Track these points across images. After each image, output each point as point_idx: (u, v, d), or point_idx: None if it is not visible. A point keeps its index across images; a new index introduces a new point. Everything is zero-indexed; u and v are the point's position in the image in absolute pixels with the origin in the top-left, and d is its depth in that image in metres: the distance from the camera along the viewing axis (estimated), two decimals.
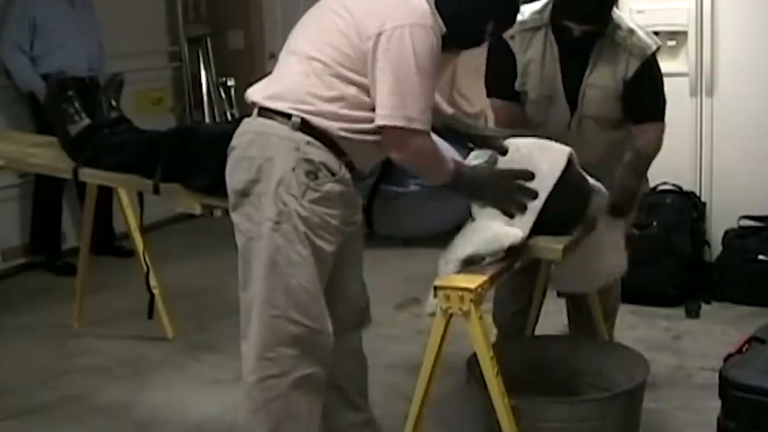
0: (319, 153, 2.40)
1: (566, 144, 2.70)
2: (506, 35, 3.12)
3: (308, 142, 2.39)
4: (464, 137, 2.79)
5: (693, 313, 4.30)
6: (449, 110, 2.85)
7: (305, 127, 2.40)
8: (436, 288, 2.48)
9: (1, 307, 4.71)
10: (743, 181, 4.47)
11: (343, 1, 2.45)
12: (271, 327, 2.44)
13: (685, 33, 4.46)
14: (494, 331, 3.45)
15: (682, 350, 3.94)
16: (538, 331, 3.53)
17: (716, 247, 4.55)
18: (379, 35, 2.35)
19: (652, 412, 3.18)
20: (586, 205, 2.76)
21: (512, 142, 2.78)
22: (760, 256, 4.37)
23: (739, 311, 4.30)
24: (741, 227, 4.49)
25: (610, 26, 3.02)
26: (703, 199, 4.57)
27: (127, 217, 4.10)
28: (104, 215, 4.99)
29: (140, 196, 3.55)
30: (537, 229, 2.62)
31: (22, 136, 4.18)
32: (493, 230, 2.55)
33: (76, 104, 3.52)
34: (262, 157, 2.42)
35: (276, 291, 2.43)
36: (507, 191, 2.56)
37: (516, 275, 3.08)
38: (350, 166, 2.48)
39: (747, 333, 2.94)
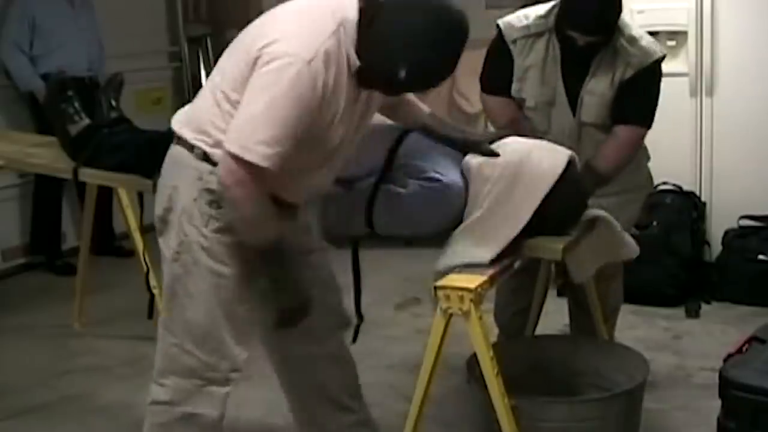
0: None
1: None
2: (508, 39, 3.11)
3: (211, 172, 2.31)
4: (444, 141, 2.72)
5: (693, 313, 4.30)
6: (426, 109, 2.74)
7: (208, 157, 2.32)
8: (436, 288, 2.48)
9: (1, 307, 4.71)
10: (743, 181, 4.47)
11: (254, 25, 2.36)
12: (168, 354, 2.44)
13: (685, 33, 4.46)
14: (495, 331, 3.45)
15: (682, 350, 3.94)
16: (538, 331, 3.53)
17: (716, 247, 4.55)
18: (257, 58, 2.20)
19: (652, 412, 3.18)
20: (585, 206, 2.76)
21: (511, 142, 2.78)
22: (760, 256, 4.37)
23: (739, 311, 4.30)
24: (741, 227, 4.49)
25: (615, 34, 3.01)
26: (703, 199, 4.57)
27: (127, 217, 4.09)
28: (104, 215, 4.99)
29: (140, 196, 3.55)
30: (537, 229, 2.63)
31: (22, 136, 4.19)
32: (459, 250, 2.57)
33: (76, 104, 3.52)
34: (170, 186, 2.40)
35: (175, 320, 2.42)
36: (297, 305, 2.43)
37: (516, 275, 3.08)
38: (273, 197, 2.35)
39: (747, 333, 2.94)
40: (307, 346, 2.68)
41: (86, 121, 3.49)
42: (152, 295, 3.98)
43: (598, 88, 3.03)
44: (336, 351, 2.77)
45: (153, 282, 3.99)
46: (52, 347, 4.20)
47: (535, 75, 3.08)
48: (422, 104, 2.76)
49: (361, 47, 2.25)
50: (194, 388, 2.42)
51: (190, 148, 2.36)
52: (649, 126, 3.10)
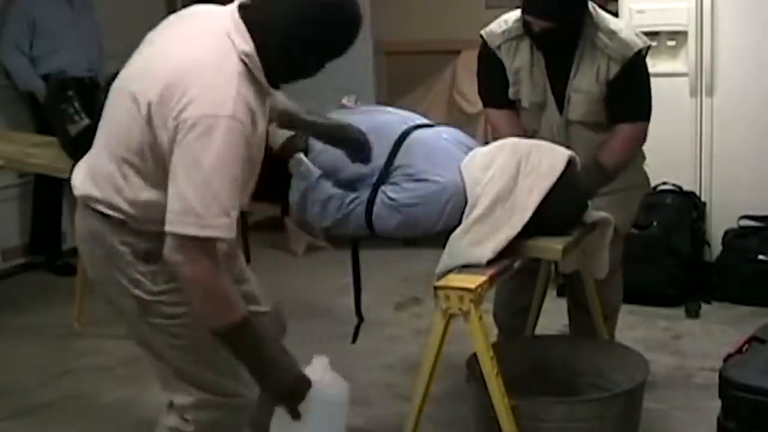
0: (150, 241, 2.15)
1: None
2: (492, 45, 3.11)
3: (131, 232, 2.17)
4: (310, 134, 2.65)
5: (693, 313, 4.30)
6: (288, 106, 2.56)
7: (124, 222, 2.17)
8: (436, 288, 2.49)
9: (1, 307, 4.71)
10: (743, 181, 4.47)
11: (134, 81, 2.12)
12: (184, 389, 2.29)
13: (685, 33, 4.45)
14: (494, 331, 3.45)
15: (682, 350, 3.94)
16: (538, 331, 3.53)
17: (716, 247, 4.55)
18: (175, 127, 2.01)
19: (652, 412, 3.18)
20: (585, 206, 2.77)
21: (510, 142, 2.78)
22: (760, 256, 4.37)
23: (739, 311, 4.30)
24: (741, 227, 4.49)
25: (590, 29, 3.00)
26: (703, 199, 4.57)
27: None
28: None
29: None
30: (537, 229, 2.63)
31: (22, 136, 4.19)
32: (457, 251, 2.57)
33: (76, 104, 3.52)
34: (99, 260, 2.25)
35: (179, 364, 2.29)
36: (284, 387, 2.17)
37: (516, 275, 3.08)
38: None
39: (747, 333, 2.94)
40: None
41: (86, 121, 3.49)
42: None
43: (583, 86, 3.02)
44: None
45: None
46: (52, 347, 4.20)
47: (525, 76, 3.08)
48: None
49: (265, 64, 2.10)
50: (217, 421, 2.30)
51: (105, 217, 2.18)
52: (648, 117, 3.10)
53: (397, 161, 2.71)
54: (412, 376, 2.87)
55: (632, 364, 2.93)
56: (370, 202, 2.70)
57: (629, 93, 3.03)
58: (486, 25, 3.20)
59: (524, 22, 2.98)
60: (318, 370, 2.21)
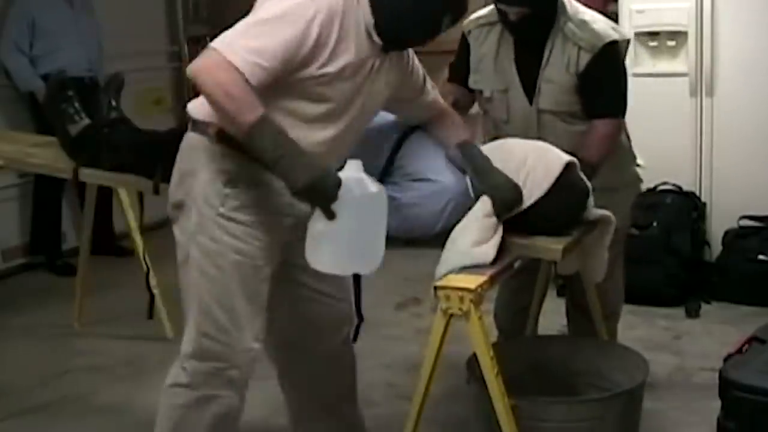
0: (237, 162, 2.36)
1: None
2: (464, 29, 3.11)
3: (226, 153, 2.35)
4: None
5: (693, 313, 4.30)
6: (463, 135, 2.70)
7: (223, 137, 2.35)
8: (436, 288, 2.48)
9: (1, 307, 4.71)
10: (743, 181, 4.47)
11: None
12: (188, 338, 2.45)
13: (685, 33, 4.46)
14: (494, 331, 3.45)
15: (682, 350, 3.95)
16: (538, 331, 3.53)
17: (716, 247, 4.55)
18: None
19: (652, 412, 3.18)
20: (584, 207, 2.76)
21: (507, 144, 2.78)
22: (760, 256, 4.38)
23: (739, 311, 4.30)
24: (741, 227, 4.49)
25: (561, 18, 2.96)
26: (703, 199, 4.57)
27: (127, 217, 4.10)
28: (104, 215, 4.99)
29: (140, 196, 3.55)
30: (537, 229, 2.63)
31: (22, 136, 4.18)
32: (462, 250, 2.56)
33: (76, 104, 3.51)
34: (186, 170, 2.44)
35: (192, 303, 2.43)
36: (304, 183, 2.21)
37: (516, 275, 3.08)
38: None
39: (747, 333, 2.94)
40: (308, 340, 2.70)
41: (86, 121, 3.49)
42: (152, 295, 3.99)
43: (555, 75, 2.99)
44: (335, 349, 2.76)
45: (153, 282, 4.01)
46: (52, 347, 4.20)
47: (488, 64, 3.07)
48: (462, 128, 2.73)
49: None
50: (213, 372, 2.43)
51: (204, 130, 2.39)
52: (623, 113, 3.06)
53: (398, 161, 2.71)
54: (412, 376, 2.86)
55: (632, 364, 2.93)
56: None
57: (601, 87, 2.98)
58: None
59: (498, 12, 2.96)
60: (352, 170, 2.23)
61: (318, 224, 2.23)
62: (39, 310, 4.66)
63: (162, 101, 6.35)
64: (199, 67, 2.20)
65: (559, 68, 2.98)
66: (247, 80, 2.17)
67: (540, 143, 2.81)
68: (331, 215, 2.20)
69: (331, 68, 2.30)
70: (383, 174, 2.70)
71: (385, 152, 2.71)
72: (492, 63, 3.07)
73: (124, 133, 3.47)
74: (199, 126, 2.42)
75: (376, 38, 2.37)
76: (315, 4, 2.24)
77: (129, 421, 3.46)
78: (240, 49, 2.18)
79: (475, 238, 2.57)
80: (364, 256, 2.31)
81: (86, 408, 3.58)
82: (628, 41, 3.09)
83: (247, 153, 2.29)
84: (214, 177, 2.37)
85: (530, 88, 3.04)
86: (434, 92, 2.75)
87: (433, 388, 2.62)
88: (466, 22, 3.11)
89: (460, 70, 3.18)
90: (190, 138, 2.45)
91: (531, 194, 2.61)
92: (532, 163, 2.65)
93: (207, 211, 2.37)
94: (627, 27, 4.41)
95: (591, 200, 2.77)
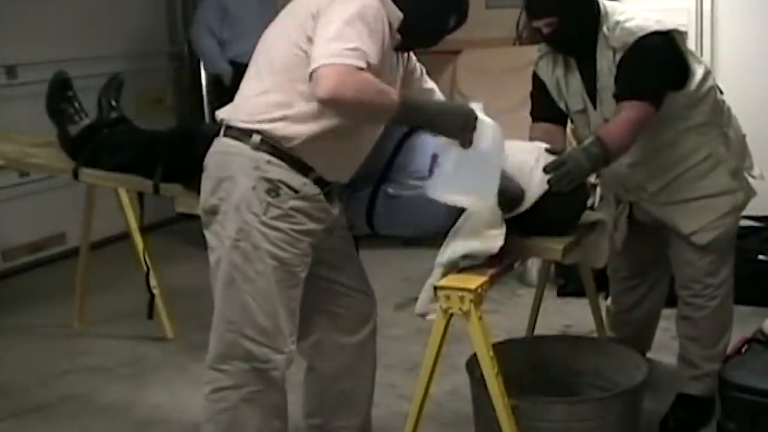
0: (279, 171, 2.41)
1: None
2: (534, 67, 3.13)
3: (268, 161, 2.40)
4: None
5: None
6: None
7: (265, 145, 2.40)
8: (436, 288, 2.49)
9: (1, 307, 4.71)
10: None
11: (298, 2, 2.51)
12: (226, 341, 2.49)
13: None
14: (494, 331, 3.44)
15: None
16: (537, 331, 3.54)
17: None
18: (330, 2, 2.35)
19: (652, 412, 3.18)
20: (584, 208, 2.77)
21: (508, 144, 2.78)
22: (760, 256, 4.37)
23: (739, 311, 4.27)
24: (741, 227, 4.48)
25: (603, 25, 2.96)
26: None
27: (127, 217, 4.10)
28: None
29: (140, 196, 3.55)
30: (537, 229, 2.64)
31: (22, 136, 4.18)
32: (472, 229, 2.56)
33: (76, 104, 3.52)
34: (224, 177, 2.45)
35: (232, 307, 2.47)
36: (459, 125, 2.45)
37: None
38: (321, 182, 2.47)
39: (747, 333, 2.94)
40: (337, 332, 2.74)
41: (86, 121, 3.49)
42: (152, 295, 3.98)
43: (605, 83, 2.99)
44: (357, 346, 2.77)
45: (153, 282, 4.01)
46: (52, 347, 4.20)
47: (562, 89, 3.08)
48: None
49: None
50: (257, 372, 2.48)
51: (245, 137, 2.41)
52: (650, 100, 2.89)
53: (399, 160, 2.71)
54: (412, 376, 2.87)
55: (632, 364, 2.93)
56: (371, 200, 2.71)
57: (626, 70, 2.92)
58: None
59: (537, 31, 2.96)
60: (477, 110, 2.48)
61: (452, 153, 2.46)
62: (39, 310, 4.66)
63: (162, 101, 6.34)
64: (329, 87, 2.23)
65: (606, 75, 2.98)
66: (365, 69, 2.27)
67: (540, 144, 2.81)
68: (470, 143, 2.43)
69: (387, 70, 2.43)
70: (385, 172, 2.71)
71: (388, 150, 2.72)
72: (564, 87, 3.07)
73: (124, 133, 3.47)
74: (236, 132, 2.45)
75: (397, 35, 2.45)
76: (380, 6, 2.38)
77: (129, 421, 3.47)
78: (343, 51, 2.24)
79: (486, 220, 2.56)
80: (485, 189, 2.50)
81: (86, 408, 3.58)
82: (676, 31, 3.04)
83: (289, 162, 2.40)
84: (256, 185, 2.40)
85: (594, 100, 3.04)
86: (435, 88, 2.89)
87: (433, 387, 2.62)
88: (536, 61, 3.13)
89: (540, 105, 3.16)
90: (226, 144, 2.47)
91: (532, 194, 2.61)
92: (533, 163, 2.66)
93: (250, 218, 2.40)
94: None
95: (591, 200, 2.78)
